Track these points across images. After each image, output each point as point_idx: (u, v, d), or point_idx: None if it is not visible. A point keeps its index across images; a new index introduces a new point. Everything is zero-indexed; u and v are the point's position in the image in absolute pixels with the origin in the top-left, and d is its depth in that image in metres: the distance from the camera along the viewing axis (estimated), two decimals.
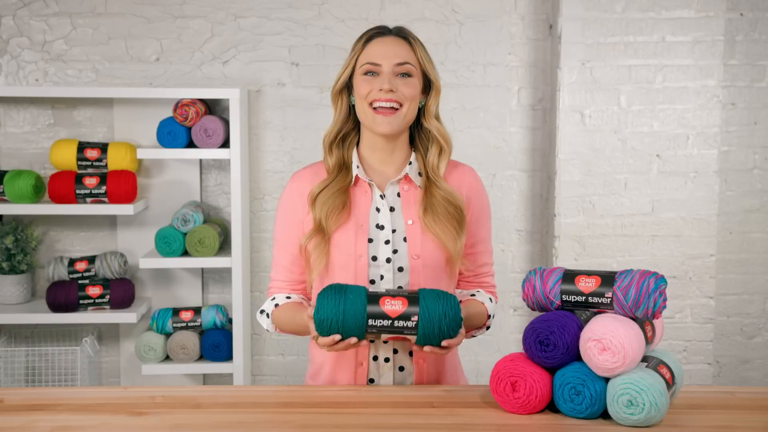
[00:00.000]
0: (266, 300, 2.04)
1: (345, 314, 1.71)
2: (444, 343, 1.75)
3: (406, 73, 1.92)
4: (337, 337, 1.72)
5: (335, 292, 1.73)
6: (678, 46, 3.40)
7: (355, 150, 2.00)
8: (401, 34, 1.96)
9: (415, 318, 1.72)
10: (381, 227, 1.94)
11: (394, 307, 1.72)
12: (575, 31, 3.39)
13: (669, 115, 3.43)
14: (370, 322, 1.71)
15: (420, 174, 1.98)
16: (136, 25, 3.49)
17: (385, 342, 1.94)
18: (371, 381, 1.96)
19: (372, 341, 1.78)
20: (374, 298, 1.72)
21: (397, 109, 1.91)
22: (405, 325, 1.72)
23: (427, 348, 1.75)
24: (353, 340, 1.73)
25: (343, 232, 1.92)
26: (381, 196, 1.96)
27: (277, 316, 1.98)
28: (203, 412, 1.74)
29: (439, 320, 1.72)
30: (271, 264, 2.06)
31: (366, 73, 1.92)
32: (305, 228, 1.97)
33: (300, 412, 1.74)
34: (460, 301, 1.96)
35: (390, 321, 1.71)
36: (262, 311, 2.02)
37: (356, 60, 1.95)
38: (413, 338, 1.75)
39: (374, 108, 1.91)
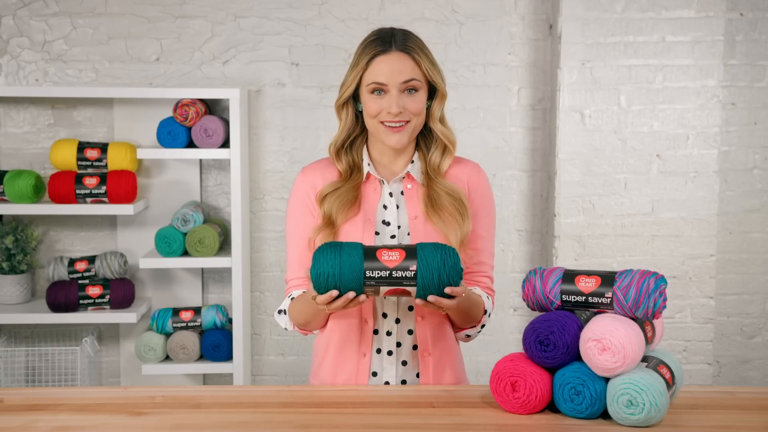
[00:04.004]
0: (284, 300, 2.04)
1: (342, 266, 1.69)
2: (447, 290, 1.71)
3: (412, 89, 1.93)
4: (334, 293, 1.71)
5: (331, 247, 1.71)
6: (678, 46, 3.40)
7: (365, 148, 2.01)
8: (405, 49, 1.94)
9: (414, 267, 1.69)
10: (387, 223, 1.96)
11: (391, 257, 1.70)
12: (575, 31, 3.39)
13: (669, 115, 3.43)
14: (368, 273, 1.69)
15: (422, 172, 2.00)
16: (136, 25, 3.49)
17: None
18: (374, 374, 1.96)
19: (373, 294, 1.76)
20: (371, 251, 1.71)
21: (404, 125, 1.93)
22: (403, 275, 1.69)
23: (431, 298, 1.72)
24: (351, 294, 1.71)
25: (351, 225, 1.94)
26: (389, 193, 1.98)
27: (291, 307, 1.98)
28: (203, 412, 1.74)
29: (438, 268, 1.70)
30: (287, 265, 2.04)
31: (373, 92, 1.93)
32: (317, 221, 1.97)
33: (300, 412, 1.74)
34: None
35: (388, 271, 1.69)
36: (280, 311, 2.02)
37: (361, 77, 1.95)
38: (413, 290, 1.71)
39: (383, 123, 1.93)
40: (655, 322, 1.78)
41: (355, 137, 2.02)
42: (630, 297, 1.67)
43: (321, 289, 1.71)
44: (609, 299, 1.70)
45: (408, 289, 1.72)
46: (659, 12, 3.39)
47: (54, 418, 1.70)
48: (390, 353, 1.95)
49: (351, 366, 1.95)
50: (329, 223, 1.93)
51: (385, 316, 1.95)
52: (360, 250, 1.71)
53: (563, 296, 1.74)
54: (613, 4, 3.38)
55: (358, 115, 2.01)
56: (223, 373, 3.45)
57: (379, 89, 1.92)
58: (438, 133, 1.98)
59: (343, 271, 1.69)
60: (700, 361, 3.54)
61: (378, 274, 1.69)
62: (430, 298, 1.73)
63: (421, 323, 1.95)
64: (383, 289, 1.72)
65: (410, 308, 1.96)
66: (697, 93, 3.43)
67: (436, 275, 1.70)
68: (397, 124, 1.92)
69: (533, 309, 1.81)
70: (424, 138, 2.02)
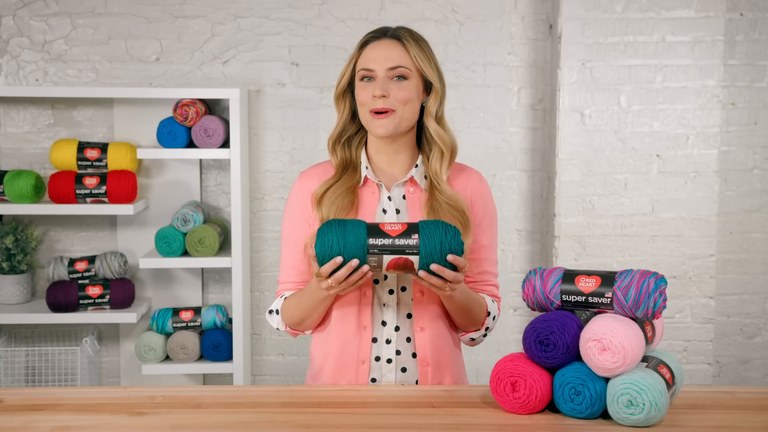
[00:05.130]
0: (274, 300, 2.03)
1: (346, 234, 1.73)
2: (449, 257, 1.73)
3: (400, 76, 1.91)
4: (339, 259, 1.72)
5: (336, 222, 1.76)
6: (678, 46, 3.41)
7: (363, 150, 2.00)
8: (396, 35, 1.94)
9: (416, 236, 1.74)
10: None
11: (394, 228, 1.75)
12: (575, 31, 3.39)
13: (669, 115, 3.43)
14: (371, 241, 1.73)
15: (426, 177, 1.98)
16: (136, 25, 3.49)
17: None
18: (373, 380, 1.95)
19: (376, 268, 1.76)
20: (374, 225, 1.77)
21: (390, 112, 1.90)
22: (406, 242, 1.73)
23: (434, 267, 1.73)
24: (355, 262, 1.72)
25: None
26: (388, 197, 1.96)
27: (286, 304, 1.97)
28: (203, 412, 1.74)
29: (440, 236, 1.74)
30: (280, 267, 2.04)
31: (362, 79, 1.93)
32: (313, 227, 1.96)
33: (300, 412, 1.74)
34: None
35: (391, 239, 1.74)
36: (271, 311, 2.01)
37: (354, 65, 1.96)
38: (415, 259, 1.74)
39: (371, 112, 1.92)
40: (655, 322, 1.78)
41: (352, 134, 2.01)
42: (630, 297, 1.67)
43: (326, 258, 1.74)
44: (609, 299, 1.70)
45: (410, 258, 1.74)
46: (659, 12, 3.39)
47: (54, 418, 1.70)
48: (389, 361, 1.94)
49: (350, 373, 1.94)
50: None
51: (384, 324, 1.94)
52: (363, 223, 1.76)
53: (563, 296, 1.74)
54: (613, 4, 3.38)
55: (355, 112, 2.00)
56: (223, 373, 3.45)
57: (368, 76, 1.92)
58: (432, 134, 1.95)
59: (347, 240, 1.73)
60: (700, 361, 3.54)
61: (381, 242, 1.74)
62: (433, 267, 1.74)
63: (420, 333, 1.94)
64: (386, 260, 1.74)
65: (408, 315, 1.95)
66: (697, 93, 3.43)
67: (438, 242, 1.74)
68: (382, 111, 1.89)
69: (533, 309, 1.80)
70: (427, 141, 1.99)
